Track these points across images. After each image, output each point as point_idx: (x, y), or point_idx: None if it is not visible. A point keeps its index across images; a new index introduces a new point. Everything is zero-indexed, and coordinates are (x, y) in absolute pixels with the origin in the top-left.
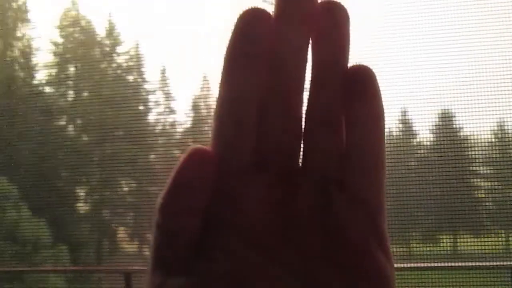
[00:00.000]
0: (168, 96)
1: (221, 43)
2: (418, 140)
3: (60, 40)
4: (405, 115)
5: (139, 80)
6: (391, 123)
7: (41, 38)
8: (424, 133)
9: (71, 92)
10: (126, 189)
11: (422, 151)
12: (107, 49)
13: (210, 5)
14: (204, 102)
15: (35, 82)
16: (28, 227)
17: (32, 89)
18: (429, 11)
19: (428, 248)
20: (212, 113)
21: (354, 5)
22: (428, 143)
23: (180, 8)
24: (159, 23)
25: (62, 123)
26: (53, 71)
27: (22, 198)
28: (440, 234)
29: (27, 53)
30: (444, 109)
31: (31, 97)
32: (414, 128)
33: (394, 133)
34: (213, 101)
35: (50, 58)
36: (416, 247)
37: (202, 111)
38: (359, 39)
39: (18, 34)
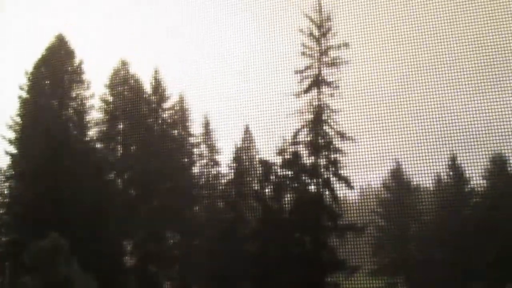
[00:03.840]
0: (211, 148)
1: (262, 98)
2: (471, 186)
3: (110, 99)
4: (454, 161)
5: (183, 133)
6: (441, 170)
7: (94, 97)
8: (477, 179)
9: (119, 147)
10: (171, 241)
11: (476, 199)
12: (154, 105)
13: (252, 62)
14: (246, 154)
15: (87, 139)
16: (78, 281)
17: (84, 146)
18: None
19: None
20: (254, 164)
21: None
22: (481, 189)
23: (222, 64)
24: (203, 78)
25: (111, 177)
26: (104, 128)
27: (73, 252)
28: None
29: (80, 112)
30: (497, 153)
31: (83, 154)
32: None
33: (445, 180)
34: (254, 153)
35: (101, 116)
36: None
37: (245, 162)
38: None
39: (73, 94)
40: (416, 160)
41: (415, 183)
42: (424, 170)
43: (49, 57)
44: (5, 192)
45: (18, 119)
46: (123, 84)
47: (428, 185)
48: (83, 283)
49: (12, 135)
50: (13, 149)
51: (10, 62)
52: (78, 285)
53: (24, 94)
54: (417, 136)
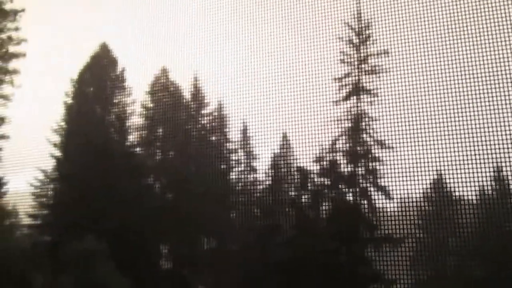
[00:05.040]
0: (249, 155)
1: (301, 105)
2: None
3: (150, 105)
4: (500, 173)
5: (221, 139)
6: (485, 182)
7: (134, 104)
8: None
9: (158, 152)
10: (206, 246)
11: None
12: (192, 111)
13: (291, 70)
14: (283, 161)
15: (127, 143)
16: (114, 284)
17: (124, 150)
18: None
19: None
20: (292, 171)
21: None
22: None
23: (262, 72)
24: (241, 84)
25: (150, 181)
26: (143, 133)
27: (109, 255)
28: None
29: (122, 118)
30: None
31: (123, 158)
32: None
33: (489, 193)
34: (292, 160)
35: (141, 121)
36: None
37: (282, 169)
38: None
39: (115, 100)
40: (459, 171)
41: (457, 195)
42: (467, 182)
43: (93, 65)
44: (49, 193)
45: (63, 124)
46: (163, 90)
47: (471, 198)
48: (120, 285)
49: (57, 138)
50: (57, 152)
51: (57, 69)
52: (115, 286)
53: (69, 100)
54: (460, 146)
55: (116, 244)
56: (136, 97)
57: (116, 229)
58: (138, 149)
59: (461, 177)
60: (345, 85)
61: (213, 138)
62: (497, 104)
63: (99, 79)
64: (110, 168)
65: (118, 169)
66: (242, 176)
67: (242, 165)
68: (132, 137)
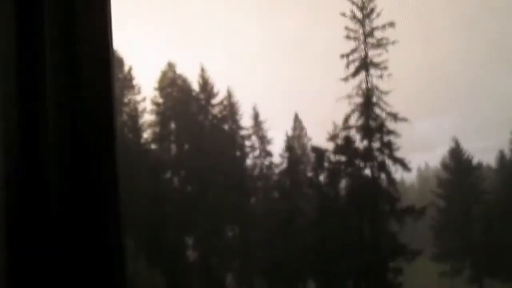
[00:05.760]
0: (262, 139)
1: (310, 85)
2: None
3: (160, 100)
4: None
5: (234, 127)
6: (504, 146)
7: (145, 101)
8: None
9: (173, 146)
10: (230, 234)
11: None
12: (202, 102)
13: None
14: (298, 142)
15: (142, 141)
16: (144, 276)
17: (139, 148)
18: None
19: None
20: (307, 152)
21: None
22: None
23: (268, 54)
24: (249, 70)
25: (168, 176)
26: (156, 129)
27: (138, 249)
28: None
29: (133, 116)
30: None
31: (140, 155)
32: None
33: (509, 157)
34: (306, 140)
35: (153, 118)
36: None
37: (297, 150)
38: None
39: (125, 100)
40: (476, 137)
41: (476, 161)
42: (485, 147)
43: None
44: None
45: None
46: (171, 85)
47: (490, 163)
48: (150, 279)
49: None
50: None
51: None
52: (145, 280)
53: None
54: (476, 112)
55: (144, 240)
56: (146, 94)
57: (142, 225)
58: (153, 145)
59: (479, 143)
60: (353, 60)
61: (226, 126)
62: None
63: None
64: (128, 167)
65: (136, 167)
66: (258, 161)
67: (257, 150)
68: (146, 135)
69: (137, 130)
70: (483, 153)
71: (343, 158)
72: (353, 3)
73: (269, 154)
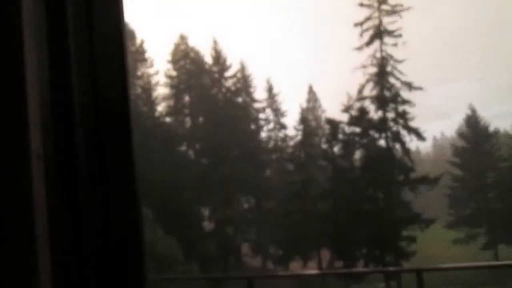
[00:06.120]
0: (277, 112)
1: (323, 55)
2: None
3: (174, 73)
4: None
5: (248, 100)
6: None
7: (158, 74)
8: None
9: (188, 119)
10: (246, 205)
11: None
12: (216, 75)
13: (313, 17)
14: (312, 114)
15: (156, 114)
16: (162, 245)
17: (154, 121)
18: None
19: None
20: (321, 124)
21: None
22: None
23: (279, 26)
24: (262, 42)
25: (183, 148)
26: (171, 102)
27: (156, 220)
28: None
29: (147, 89)
30: None
31: (155, 128)
32: None
33: None
34: (320, 112)
35: (167, 91)
36: None
37: (311, 123)
38: None
39: (138, 73)
40: (493, 103)
41: (492, 128)
42: (502, 112)
43: None
44: None
45: None
46: (184, 58)
47: (507, 129)
48: (167, 245)
49: None
50: None
51: None
52: (162, 247)
53: None
54: (492, 78)
55: (161, 210)
56: (159, 67)
57: (159, 196)
58: (167, 118)
59: (496, 109)
60: (367, 29)
61: (240, 99)
62: None
63: None
64: (144, 140)
65: (151, 140)
66: (273, 134)
67: (272, 123)
68: (160, 108)
69: (151, 103)
70: (500, 119)
71: (357, 129)
72: None
73: (283, 126)
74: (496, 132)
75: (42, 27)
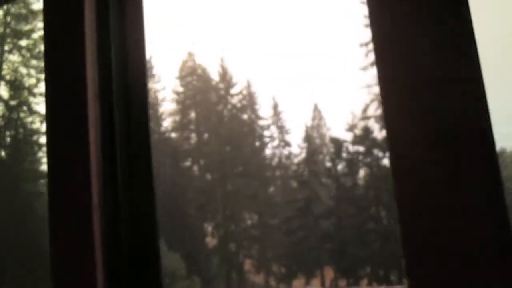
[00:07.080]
0: (281, 129)
1: (329, 75)
2: None
3: (180, 89)
4: None
5: (253, 117)
6: None
7: (165, 90)
8: None
9: (193, 135)
10: (249, 222)
11: None
12: (222, 92)
13: (316, 39)
14: (317, 132)
15: (162, 129)
16: (165, 260)
17: (160, 136)
18: None
19: None
20: (326, 142)
21: None
22: None
23: (286, 44)
24: (268, 60)
25: (188, 164)
26: (177, 117)
27: (159, 234)
28: None
29: (154, 105)
30: None
31: (160, 143)
32: None
33: None
34: (325, 130)
35: (174, 106)
36: None
37: (316, 140)
38: None
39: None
40: (499, 123)
41: (499, 148)
42: (509, 133)
43: None
44: None
45: None
46: (191, 74)
47: None
48: (170, 261)
49: None
50: None
51: None
52: (165, 263)
53: None
54: (498, 97)
55: (164, 225)
56: (166, 83)
57: (162, 211)
58: (173, 134)
59: (503, 128)
60: (372, 50)
61: (245, 116)
62: None
63: None
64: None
65: (156, 154)
66: (277, 151)
67: (276, 140)
68: (166, 123)
69: (157, 118)
70: (507, 139)
71: (361, 148)
72: None
73: (288, 144)
74: (503, 151)
75: None
